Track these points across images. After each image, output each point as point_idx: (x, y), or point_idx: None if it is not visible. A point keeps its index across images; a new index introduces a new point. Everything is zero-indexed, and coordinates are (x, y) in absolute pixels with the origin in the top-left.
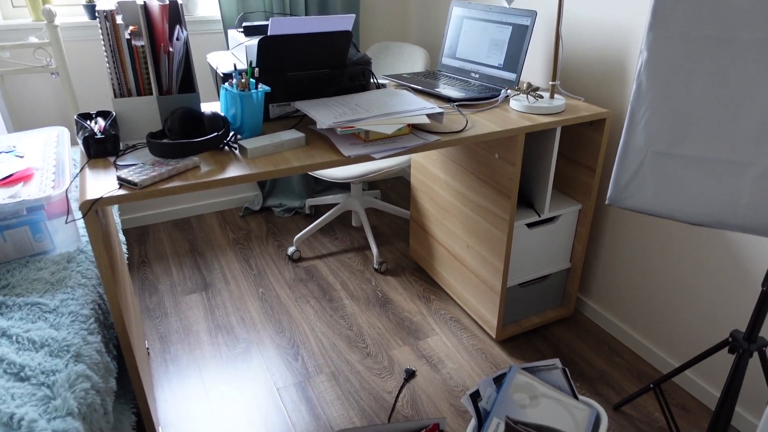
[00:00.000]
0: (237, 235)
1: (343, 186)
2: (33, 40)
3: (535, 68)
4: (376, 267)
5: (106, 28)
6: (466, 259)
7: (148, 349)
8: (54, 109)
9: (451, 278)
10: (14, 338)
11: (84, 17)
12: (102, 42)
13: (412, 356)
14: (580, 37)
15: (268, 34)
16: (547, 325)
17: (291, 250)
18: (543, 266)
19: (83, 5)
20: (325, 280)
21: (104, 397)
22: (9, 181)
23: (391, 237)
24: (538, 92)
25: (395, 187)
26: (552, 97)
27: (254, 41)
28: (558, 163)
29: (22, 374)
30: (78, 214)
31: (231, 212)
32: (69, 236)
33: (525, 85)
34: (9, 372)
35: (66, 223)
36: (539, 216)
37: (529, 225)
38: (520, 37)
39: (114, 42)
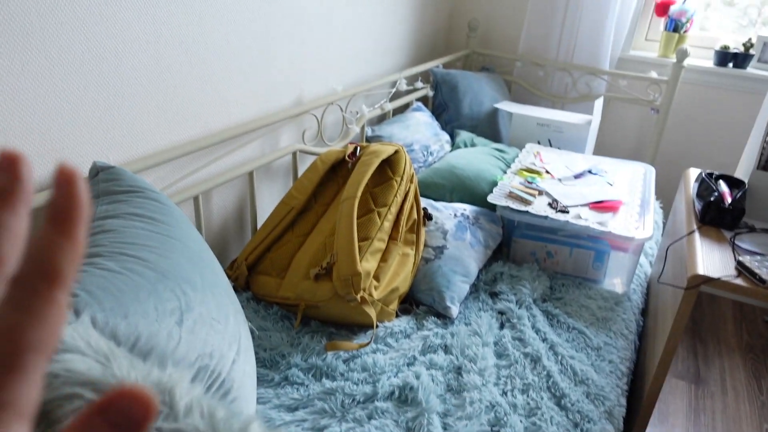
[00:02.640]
0: (753, 340)
1: None
2: (653, 74)
3: None
4: None
5: None
6: None
7: None
8: (633, 141)
9: None
10: (560, 358)
11: (709, 62)
12: None
13: None
14: None
15: None
16: None
17: None
18: None
19: (715, 50)
20: None
21: None
22: (600, 206)
23: None
24: None
25: None
26: None
27: None
28: None
29: (562, 401)
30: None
31: (754, 310)
32: (621, 276)
33: None
34: (553, 392)
35: (659, 282)
36: None
37: None
38: None
39: None
